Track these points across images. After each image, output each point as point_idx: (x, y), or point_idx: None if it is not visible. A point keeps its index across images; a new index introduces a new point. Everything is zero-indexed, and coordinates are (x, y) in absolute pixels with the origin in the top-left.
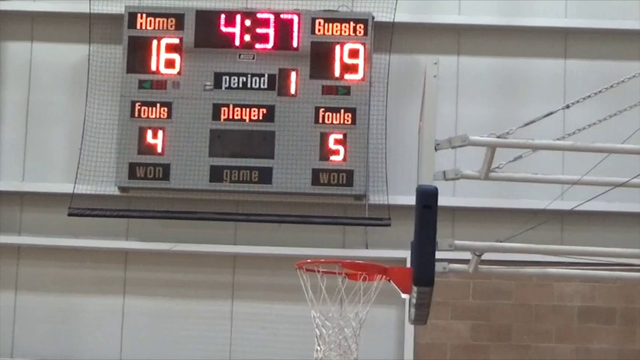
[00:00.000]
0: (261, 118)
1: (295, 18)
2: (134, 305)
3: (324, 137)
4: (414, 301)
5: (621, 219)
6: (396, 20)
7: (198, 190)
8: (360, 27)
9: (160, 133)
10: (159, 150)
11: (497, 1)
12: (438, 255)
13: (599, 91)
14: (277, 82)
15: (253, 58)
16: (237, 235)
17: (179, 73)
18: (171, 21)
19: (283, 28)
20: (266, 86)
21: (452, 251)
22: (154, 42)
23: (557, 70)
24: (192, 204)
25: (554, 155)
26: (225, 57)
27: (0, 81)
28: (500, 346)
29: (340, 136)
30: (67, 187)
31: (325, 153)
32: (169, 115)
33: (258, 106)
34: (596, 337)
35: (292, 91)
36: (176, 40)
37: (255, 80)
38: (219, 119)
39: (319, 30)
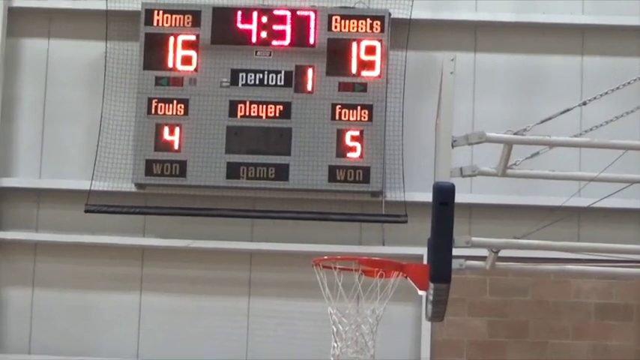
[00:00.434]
0: (277, 114)
1: (312, 14)
2: (151, 302)
3: (340, 134)
4: (430, 297)
5: (638, 216)
6: (412, 17)
7: (215, 186)
8: (376, 24)
9: (177, 129)
10: (175, 147)
11: None
12: (455, 252)
13: (617, 88)
14: (294, 79)
15: (270, 55)
16: (254, 232)
17: (196, 69)
18: (188, 18)
19: (300, 24)
20: (283, 83)
21: (469, 248)
22: (171, 39)
23: (574, 67)
24: (209, 201)
25: (571, 152)
26: (241, 54)
27: (17, 78)
28: (517, 343)
29: (357, 133)
30: (83, 184)
31: (342, 150)
32: (186, 112)
33: (275, 103)
34: (614, 334)
35: (309, 87)
36: (193, 37)
37: (272, 77)
38: (236, 116)
39: (336, 27)
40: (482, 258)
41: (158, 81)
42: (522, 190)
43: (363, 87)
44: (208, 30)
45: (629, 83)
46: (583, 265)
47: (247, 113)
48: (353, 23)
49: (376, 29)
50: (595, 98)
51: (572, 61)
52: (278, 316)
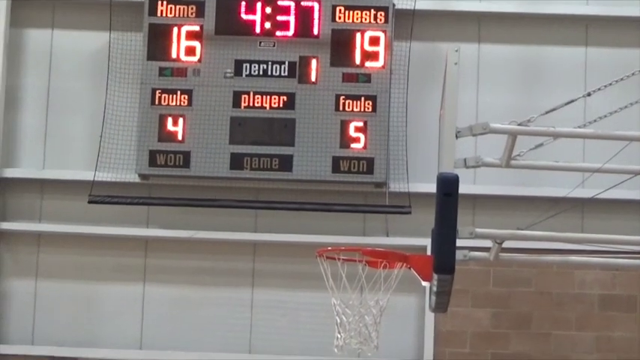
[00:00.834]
0: (281, 105)
1: (316, 5)
2: (154, 293)
3: (344, 125)
4: (434, 288)
5: None
6: (416, 7)
7: (219, 177)
8: (380, 14)
9: (181, 120)
10: (179, 137)
11: None
12: (459, 243)
13: (621, 79)
14: (298, 70)
15: (274, 46)
16: (258, 223)
17: (199, 60)
18: (192, 8)
19: (304, 15)
20: (286, 74)
21: (472, 239)
22: (175, 29)
23: (578, 58)
24: (213, 191)
25: (575, 143)
26: (245, 44)
27: (21, 68)
28: (520, 334)
29: (361, 124)
30: (87, 175)
31: (346, 140)
32: (190, 103)
33: (279, 94)
34: (617, 326)
35: (313, 78)
36: (196, 28)
37: (276, 68)
38: (240, 107)
39: (340, 17)
40: (486, 249)
41: (162, 71)
42: (526, 181)
43: (367, 78)
44: (212, 20)
45: (633, 74)
46: (587, 256)
47: (251, 104)
48: (357, 14)
49: (380, 20)
50: (599, 89)
51: (577, 52)
52: (281, 306)
